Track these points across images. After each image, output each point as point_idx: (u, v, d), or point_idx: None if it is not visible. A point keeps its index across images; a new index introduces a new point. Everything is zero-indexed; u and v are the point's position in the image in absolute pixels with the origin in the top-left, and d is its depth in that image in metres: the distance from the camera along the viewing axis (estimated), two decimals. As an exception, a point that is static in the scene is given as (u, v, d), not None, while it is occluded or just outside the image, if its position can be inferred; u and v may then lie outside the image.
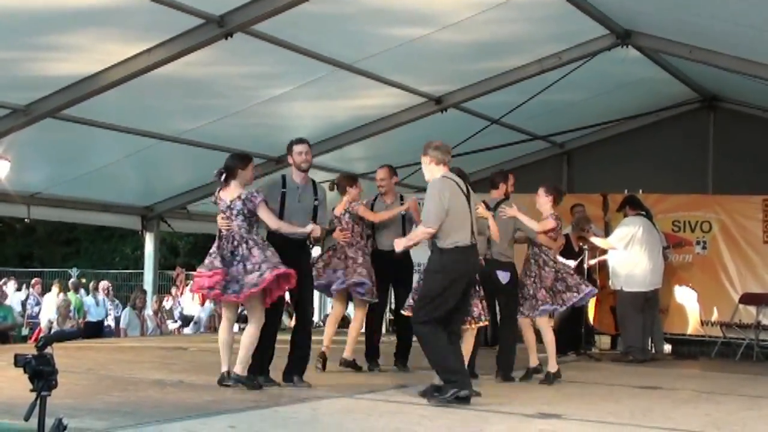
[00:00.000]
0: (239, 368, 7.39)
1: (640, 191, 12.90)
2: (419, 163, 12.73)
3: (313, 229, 7.60)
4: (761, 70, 10.78)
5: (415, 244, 7.61)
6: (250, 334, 7.36)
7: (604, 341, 13.83)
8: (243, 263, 7.27)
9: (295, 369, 7.87)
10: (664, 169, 14.64)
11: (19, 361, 3.71)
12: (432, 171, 7.31)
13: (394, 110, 12.89)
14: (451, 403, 6.81)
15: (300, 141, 8.08)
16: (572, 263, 12.06)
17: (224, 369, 7.46)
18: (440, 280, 7.10)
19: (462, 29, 10.20)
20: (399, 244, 7.49)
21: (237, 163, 7.57)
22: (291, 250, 7.61)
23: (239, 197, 7.41)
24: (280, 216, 7.72)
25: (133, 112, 11.42)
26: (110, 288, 18.80)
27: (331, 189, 9.11)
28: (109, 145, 12.29)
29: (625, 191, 12.90)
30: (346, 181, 9.23)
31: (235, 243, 7.36)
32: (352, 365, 9.18)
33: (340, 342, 9.48)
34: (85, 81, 10.03)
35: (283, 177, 8.07)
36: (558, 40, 11.34)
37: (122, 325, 15.82)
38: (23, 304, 18.88)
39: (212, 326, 16.85)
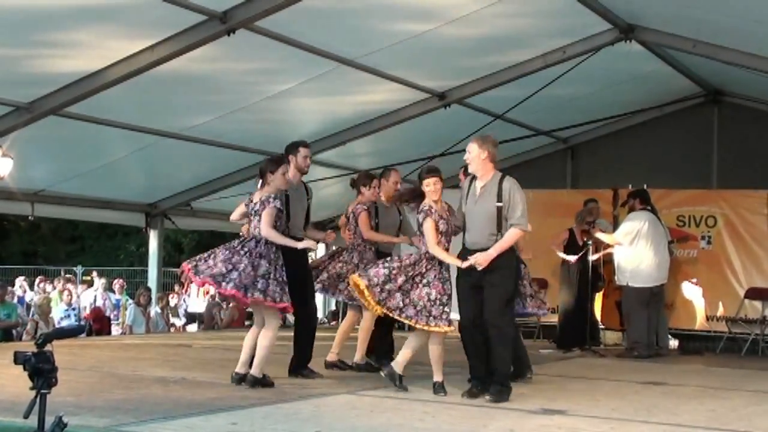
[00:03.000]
0: (257, 370, 7.36)
1: (645, 186, 12.86)
2: (422, 159, 12.73)
3: (308, 245, 7.58)
4: (765, 64, 10.75)
5: None
6: (270, 337, 7.37)
7: (609, 337, 13.80)
8: (252, 264, 7.26)
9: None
10: (669, 163, 14.61)
11: (19, 358, 3.71)
12: (486, 168, 7.24)
13: (398, 106, 12.86)
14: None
15: (306, 144, 8.19)
16: (573, 258, 12.08)
17: (241, 370, 7.49)
18: (514, 280, 7.37)
19: (465, 24, 10.17)
20: (485, 258, 7.07)
21: (268, 166, 7.57)
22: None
23: (260, 199, 7.43)
24: (287, 217, 7.75)
25: (136, 108, 11.42)
26: (124, 285, 18.95)
27: (352, 186, 9.04)
28: (113, 142, 12.29)
29: (630, 186, 12.88)
30: (363, 180, 8.96)
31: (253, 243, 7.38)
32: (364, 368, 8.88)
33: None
34: (88, 78, 10.03)
35: None
36: (562, 35, 11.31)
37: (127, 322, 15.83)
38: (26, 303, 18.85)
39: (215, 323, 16.82)
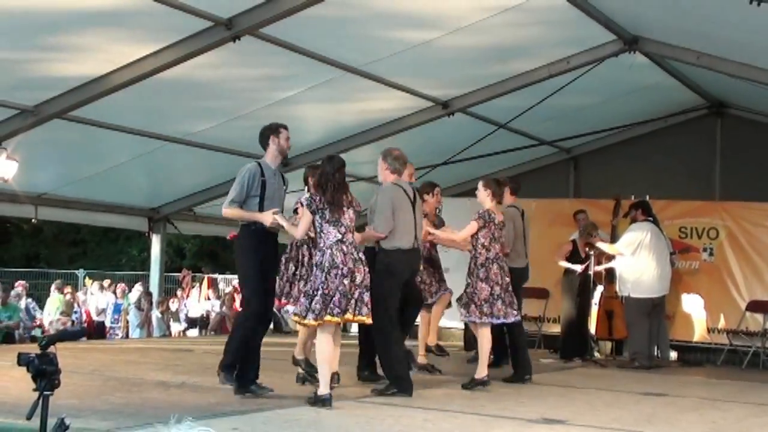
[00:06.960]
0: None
1: (647, 197, 12.87)
2: (425, 167, 12.76)
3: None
4: (768, 77, 10.76)
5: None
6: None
7: (607, 346, 13.79)
8: None
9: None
10: (671, 175, 14.60)
11: (23, 360, 3.70)
12: (386, 177, 7.94)
13: (401, 114, 12.87)
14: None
15: (287, 127, 8.10)
16: (579, 268, 12.08)
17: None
18: (387, 281, 7.62)
19: (470, 33, 10.18)
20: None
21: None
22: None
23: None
24: (260, 206, 7.47)
25: (141, 113, 11.44)
26: (125, 289, 18.95)
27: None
28: (117, 146, 12.31)
29: (632, 197, 12.88)
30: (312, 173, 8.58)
31: None
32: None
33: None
34: (94, 82, 10.04)
35: (259, 164, 7.80)
36: (566, 45, 11.32)
37: (130, 326, 15.88)
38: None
39: (224, 327, 16.84)
